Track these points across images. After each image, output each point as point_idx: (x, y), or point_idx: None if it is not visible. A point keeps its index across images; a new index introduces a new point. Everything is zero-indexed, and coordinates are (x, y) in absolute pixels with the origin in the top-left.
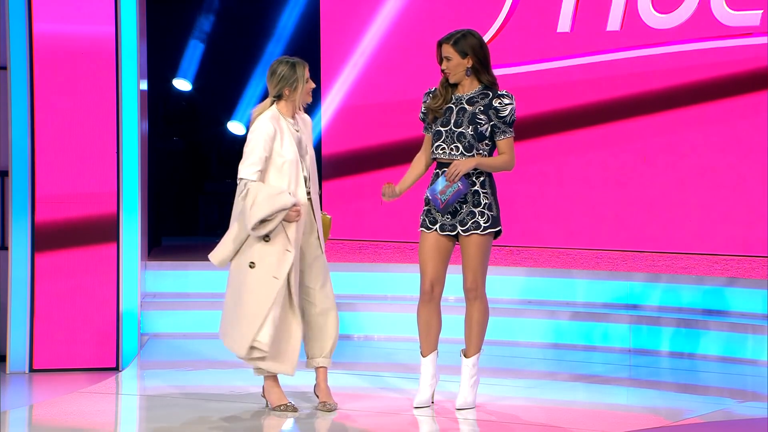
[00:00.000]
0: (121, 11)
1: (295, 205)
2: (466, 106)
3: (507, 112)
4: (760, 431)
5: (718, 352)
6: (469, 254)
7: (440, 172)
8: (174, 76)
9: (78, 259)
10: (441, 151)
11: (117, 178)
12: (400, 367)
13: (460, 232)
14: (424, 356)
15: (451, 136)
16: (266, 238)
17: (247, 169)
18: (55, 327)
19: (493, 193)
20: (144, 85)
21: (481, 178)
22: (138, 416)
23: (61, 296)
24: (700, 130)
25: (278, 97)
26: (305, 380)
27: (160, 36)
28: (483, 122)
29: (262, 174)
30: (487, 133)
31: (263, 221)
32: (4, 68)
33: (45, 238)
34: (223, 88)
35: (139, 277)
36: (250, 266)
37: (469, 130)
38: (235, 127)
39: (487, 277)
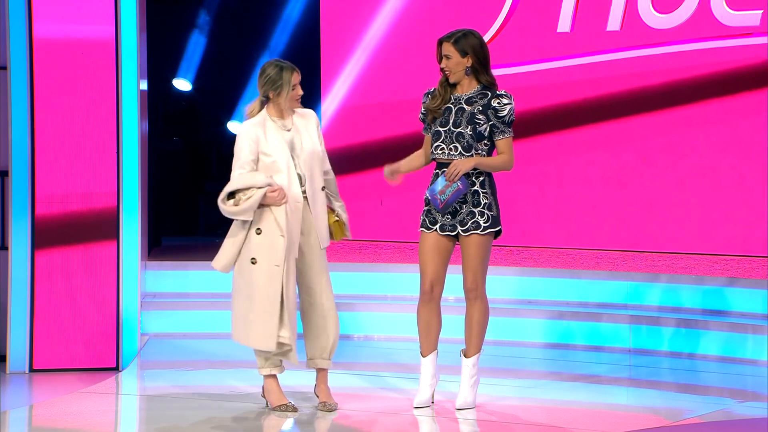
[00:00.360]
0: (121, 11)
1: (270, 186)
2: (465, 106)
3: (506, 112)
4: (760, 431)
5: (718, 352)
6: (469, 254)
7: (440, 172)
8: (174, 76)
9: (78, 258)
10: (440, 151)
11: (117, 177)
12: (400, 367)
13: (460, 232)
14: (424, 356)
15: (450, 136)
16: (258, 230)
17: (234, 172)
18: (55, 327)
19: (493, 193)
20: (144, 85)
21: (481, 178)
22: (138, 416)
23: (61, 296)
24: (700, 130)
25: (266, 98)
26: (305, 380)
27: (160, 36)
28: (482, 122)
29: None
30: (486, 133)
31: (245, 207)
32: (4, 68)
33: (45, 237)
34: (223, 88)
35: (139, 277)
36: (252, 262)
37: (467, 130)
38: (235, 127)
39: (487, 277)
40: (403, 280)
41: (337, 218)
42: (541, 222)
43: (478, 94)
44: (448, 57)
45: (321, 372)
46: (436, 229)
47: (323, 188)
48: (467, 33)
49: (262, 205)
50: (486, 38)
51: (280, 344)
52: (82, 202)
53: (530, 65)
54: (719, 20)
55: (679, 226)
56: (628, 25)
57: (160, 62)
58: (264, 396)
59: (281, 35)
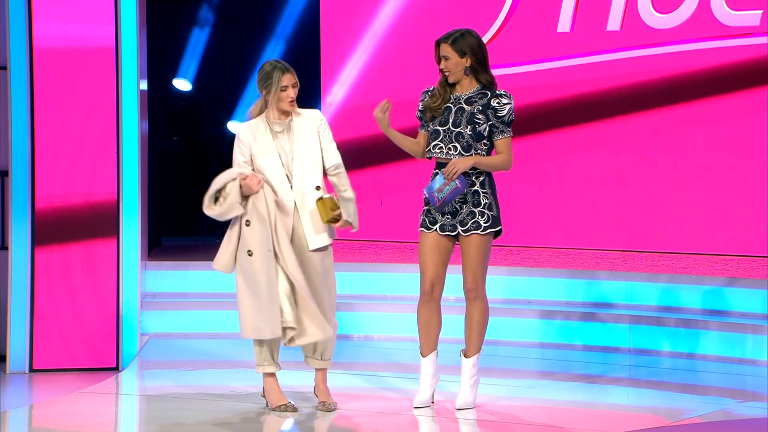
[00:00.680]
0: (121, 11)
1: (242, 174)
2: (465, 106)
3: (505, 112)
4: (760, 431)
5: (718, 352)
6: (469, 254)
7: (438, 171)
8: (174, 76)
9: (78, 257)
10: (439, 151)
11: (117, 178)
12: (400, 367)
13: (460, 232)
14: (424, 356)
15: (449, 136)
16: (247, 222)
17: None
18: (55, 327)
19: (493, 193)
20: (144, 85)
21: (481, 178)
22: (138, 416)
23: (61, 296)
24: (700, 130)
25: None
26: (305, 380)
27: (161, 35)
28: (481, 122)
29: None
30: (486, 133)
31: (227, 204)
32: (4, 68)
33: (45, 234)
34: (223, 88)
35: (139, 276)
36: (249, 254)
37: (467, 129)
38: (235, 127)
39: (487, 277)
40: (403, 280)
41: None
42: (541, 222)
43: (478, 94)
44: (446, 58)
45: (318, 372)
46: (436, 229)
47: (318, 188)
48: (465, 33)
49: (246, 198)
50: (486, 38)
51: (285, 330)
52: (82, 202)
53: (530, 65)
54: (719, 20)
55: (679, 226)
56: (628, 25)
57: (160, 62)
58: (264, 396)
59: (281, 35)
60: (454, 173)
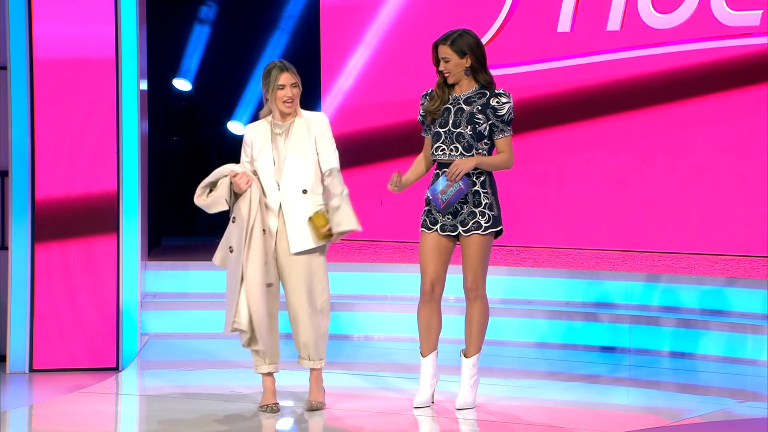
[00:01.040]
0: (121, 11)
1: (233, 171)
2: (464, 106)
3: (505, 111)
4: (760, 431)
5: (718, 352)
6: (469, 254)
7: (440, 173)
8: (174, 76)
9: (78, 256)
10: (441, 152)
11: (117, 178)
12: (400, 367)
13: (461, 232)
14: (424, 356)
15: (450, 137)
16: (233, 219)
17: None
18: (55, 327)
19: (494, 193)
20: (144, 85)
21: (482, 178)
22: (138, 416)
23: (61, 296)
24: (700, 129)
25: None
26: (303, 380)
27: (160, 36)
28: (481, 121)
29: None
30: (486, 133)
31: (214, 196)
32: (4, 68)
33: (45, 231)
34: (223, 88)
35: (139, 276)
36: (230, 251)
37: (467, 130)
38: (235, 127)
39: (488, 277)
40: (403, 280)
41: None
42: (541, 222)
43: (477, 94)
44: (446, 59)
45: (311, 372)
46: (436, 230)
47: (305, 191)
48: (463, 33)
49: (238, 195)
50: (486, 38)
51: (234, 331)
52: (83, 201)
53: (530, 65)
54: (719, 20)
55: (679, 226)
56: (628, 25)
57: (160, 62)
58: None
59: (281, 35)
60: (457, 174)
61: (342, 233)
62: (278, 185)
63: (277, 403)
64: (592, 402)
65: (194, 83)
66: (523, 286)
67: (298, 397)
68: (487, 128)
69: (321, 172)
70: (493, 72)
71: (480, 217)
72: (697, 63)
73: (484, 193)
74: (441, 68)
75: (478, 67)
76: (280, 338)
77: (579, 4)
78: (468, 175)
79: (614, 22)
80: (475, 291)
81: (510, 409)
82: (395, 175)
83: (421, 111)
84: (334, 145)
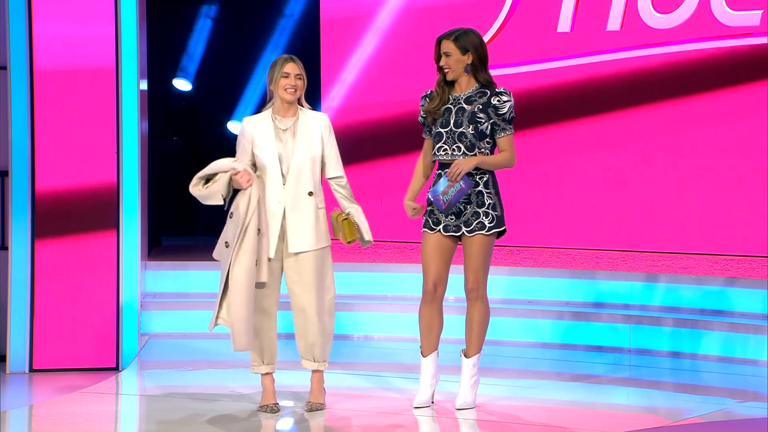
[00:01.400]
0: (121, 11)
1: (233, 169)
2: (465, 106)
3: (506, 110)
4: (760, 431)
5: (718, 352)
6: (471, 254)
7: (442, 173)
8: (174, 76)
9: (78, 255)
10: (443, 152)
11: (117, 178)
12: (400, 367)
13: (465, 232)
14: (424, 356)
15: (452, 137)
16: (231, 214)
17: None
18: (55, 327)
19: (497, 193)
20: (144, 85)
21: (484, 178)
22: (138, 416)
23: (61, 296)
24: (700, 129)
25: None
26: (303, 380)
27: (160, 36)
28: (483, 121)
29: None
30: (488, 132)
31: (210, 190)
32: (4, 68)
33: (45, 229)
34: (223, 88)
35: (140, 276)
36: (225, 246)
37: (469, 129)
38: (235, 127)
39: (488, 277)
40: (403, 280)
41: (346, 216)
42: (541, 222)
43: (477, 93)
44: (447, 54)
45: (313, 373)
46: (439, 230)
47: (310, 193)
48: (467, 31)
49: (236, 191)
50: (486, 38)
51: (218, 322)
52: (83, 201)
53: (530, 65)
54: (719, 20)
55: (679, 226)
56: (628, 25)
57: (160, 62)
58: None
59: (281, 35)
60: (457, 174)
61: (368, 242)
62: (283, 181)
63: (277, 403)
64: (592, 402)
65: (194, 83)
66: (523, 286)
67: (298, 397)
68: (489, 127)
69: (321, 172)
70: (493, 72)
71: (484, 218)
72: (697, 63)
73: (487, 193)
74: (441, 63)
75: (480, 66)
76: (280, 338)
77: (579, 4)
78: (471, 175)
79: (614, 22)
80: (476, 291)
81: (510, 409)
82: (408, 206)
83: (422, 112)
84: (337, 147)
